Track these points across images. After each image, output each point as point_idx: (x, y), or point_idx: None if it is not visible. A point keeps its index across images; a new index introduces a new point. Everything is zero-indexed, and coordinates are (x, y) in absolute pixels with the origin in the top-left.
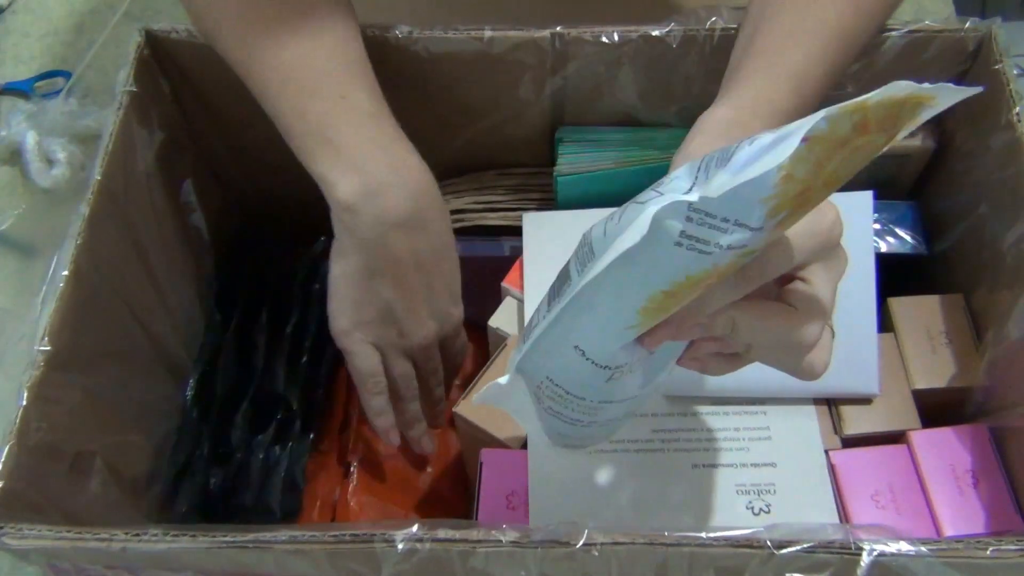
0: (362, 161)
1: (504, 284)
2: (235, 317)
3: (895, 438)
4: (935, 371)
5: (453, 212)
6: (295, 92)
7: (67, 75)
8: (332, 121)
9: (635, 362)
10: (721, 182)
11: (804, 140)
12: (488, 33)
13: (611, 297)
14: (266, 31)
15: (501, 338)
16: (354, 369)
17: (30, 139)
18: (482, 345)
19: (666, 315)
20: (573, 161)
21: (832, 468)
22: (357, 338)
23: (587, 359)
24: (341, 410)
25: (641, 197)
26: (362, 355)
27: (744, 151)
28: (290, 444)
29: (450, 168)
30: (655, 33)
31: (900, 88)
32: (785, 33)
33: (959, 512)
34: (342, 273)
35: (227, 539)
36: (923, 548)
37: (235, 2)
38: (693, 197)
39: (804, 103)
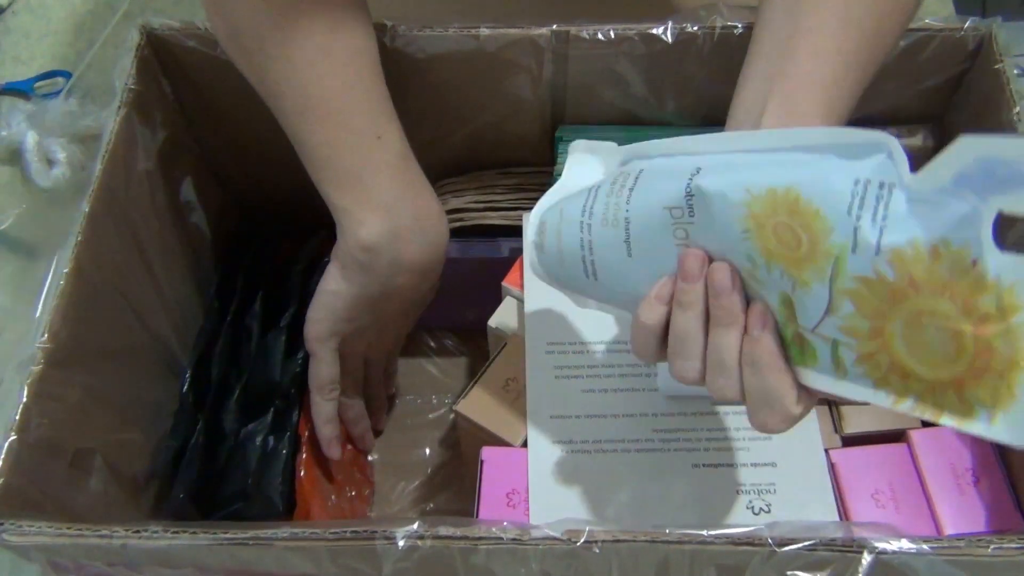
0: (391, 205)
1: (504, 284)
2: (233, 303)
3: (895, 437)
4: None
5: (453, 211)
6: (332, 125)
7: (67, 75)
8: (367, 160)
9: (697, 225)
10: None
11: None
12: (484, 31)
13: (778, 150)
14: (304, 58)
15: (501, 338)
16: (316, 374)
17: (30, 139)
18: (482, 345)
19: (768, 218)
20: None
21: (832, 467)
22: (330, 346)
23: (685, 191)
24: None
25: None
26: (329, 362)
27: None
28: (288, 434)
29: (450, 167)
30: (654, 32)
31: None
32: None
33: (959, 511)
34: (338, 292)
35: (227, 535)
36: (924, 546)
37: (273, 25)
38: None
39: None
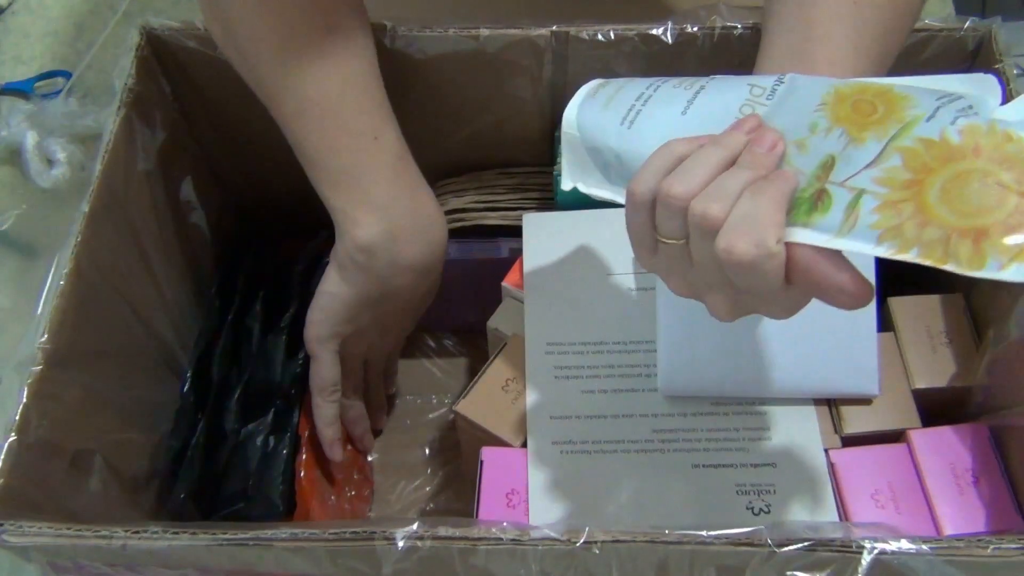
0: (388, 205)
1: (504, 284)
2: (234, 304)
3: (895, 437)
4: (935, 371)
5: (453, 211)
6: (329, 126)
7: (67, 75)
8: (365, 161)
9: (762, 105)
10: None
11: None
12: (484, 32)
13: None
14: (302, 59)
15: (501, 338)
16: (317, 376)
17: (30, 139)
18: (482, 345)
19: (851, 96)
20: None
21: (832, 467)
22: (330, 348)
23: (775, 79)
24: None
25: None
26: (330, 364)
27: None
28: (288, 434)
29: (450, 167)
30: (654, 32)
31: None
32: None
33: (959, 511)
34: (337, 293)
35: (227, 536)
36: (924, 546)
37: (270, 28)
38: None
39: None
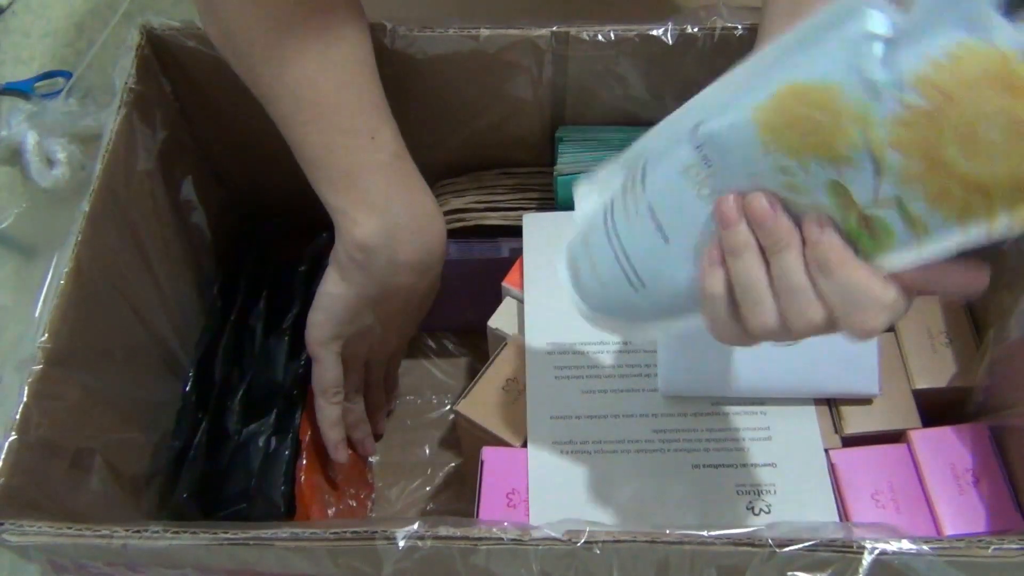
0: (385, 204)
1: (504, 284)
2: (237, 303)
3: (895, 437)
4: (935, 371)
5: (453, 211)
6: (327, 126)
7: (67, 75)
8: (361, 160)
9: (718, 170)
10: None
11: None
12: (484, 32)
13: (769, 61)
14: (298, 60)
15: (501, 338)
16: (320, 377)
17: (30, 139)
18: (482, 345)
19: (778, 117)
20: (573, 161)
21: (832, 467)
22: (332, 349)
23: (693, 130)
24: None
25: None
26: (332, 365)
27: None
28: (290, 435)
29: (450, 167)
30: (654, 33)
31: None
32: None
33: (959, 511)
34: (337, 293)
35: (228, 536)
36: (925, 547)
37: (265, 27)
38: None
39: None
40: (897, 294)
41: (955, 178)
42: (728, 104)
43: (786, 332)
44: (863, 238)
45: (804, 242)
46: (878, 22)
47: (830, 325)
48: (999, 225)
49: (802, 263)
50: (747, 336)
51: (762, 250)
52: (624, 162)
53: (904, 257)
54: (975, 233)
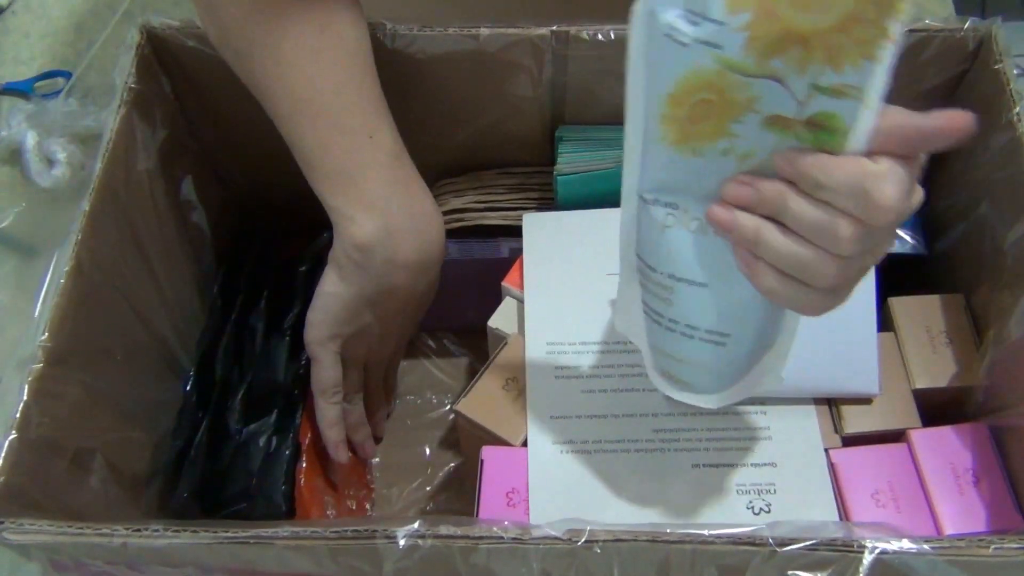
0: (383, 203)
1: (504, 284)
2: (237, 302)
3: (895, 437)
4: (935, 371)
5: (453, 211)
6: (323, 126)
7: (67, 75)
8: (359, 160)
9: (685, 203)
10: None
11: None
12: (484, 32)
13: (640, 110)
14: (295, 60)
15: (501, 338)
16: (318, 377)
17: (30, 139)
18: (482, 345)
19: (681, 128)
20: (573, 160)
21: (832, 467)
22: (331, 348)
23: (642, 200)
24: None
25: None
26: (331, 365)
27: None
28: (291, 435)
29: (450, 167)
30: None
31: None
32: None
33: (959, 511)
34: (336, 293)
35: (228, 535)
36: (925, 546)
37: (263, 30)
38: None
39: None
40: (889, 162)
41: (821, 33)
42: (641, 155)
43: (847, 265)
44: (823, 137)
45: (793, 183)
46: (662, 3)
47: (865, 229)
48: (894, 32)
49: (806, 200)
50: (831, 295)
51: (773, 220)
52: (625, 273)
53: (863, 124)
54: (885, 56)
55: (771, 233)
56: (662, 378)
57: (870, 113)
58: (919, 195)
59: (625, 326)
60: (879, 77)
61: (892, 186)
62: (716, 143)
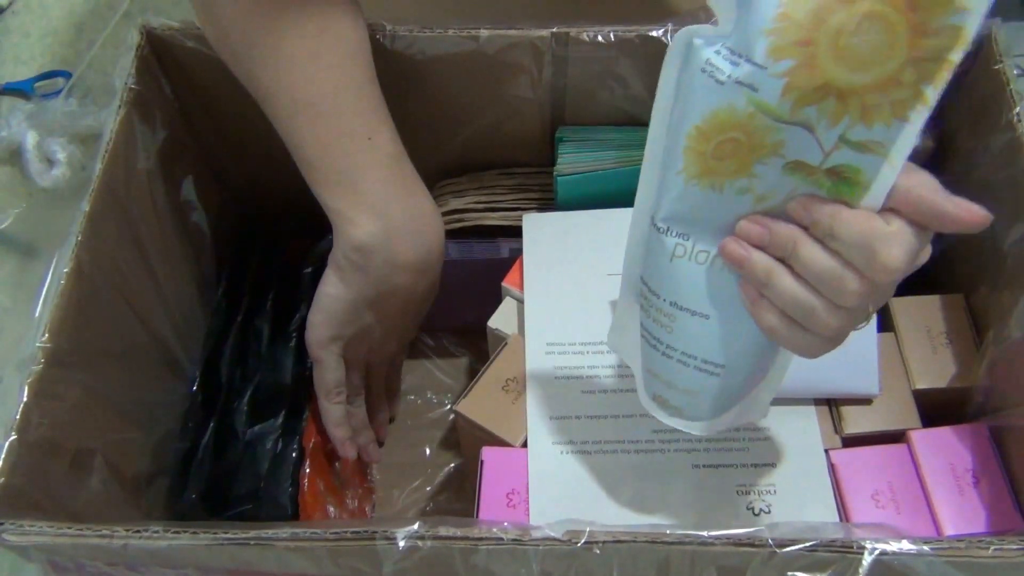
0: (383, 205)
1: (504, 284)
2: (242, 304)
3: (895, 437)
4: (935, 371)
5: (453, 212)
6: (323, 127)
7: (67, 75)
8: (359, 162)
9: (696, 235)
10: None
11: None
12: (484, 33)
13: (663, 138)
14: (294, 61)
15: (501, 338)
16: (321, 379)
17: (30, 139)
18: (482, 345)
19: (704, 163)
20: (573, 161)
21: (832, 468)
22: (332, 350)
23: (654, 226)
24: None
25: None
26: (333, 366)
27: None
28: (298, 437)
29: (450, 167)
30: (654, 34)
31: None
32: None
33: (959, 511)
34: (336, 295)
35: (228, 536)
36: (925, 547)
37: (262, 31)
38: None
39: None
40: (901, 224)
41: (858, 90)
42: (659, 182)
43: (849, 315)
44: (843, 188)
45: (806, 229)
46: (704, 39)
47: (870, 285)
48: (930, 98)
49: (817, 247)
50: (829, 341)
51: (783, 263)
52: (625, 294)
53: (883, 181)
54: (917, 119)
55: (781, 276)
56: (653, 401)
57: (892, 171)
58: (926, 254)
59: (619, 346)
60: (907, 138)
61: (899, 249)
62: (736, 181)
